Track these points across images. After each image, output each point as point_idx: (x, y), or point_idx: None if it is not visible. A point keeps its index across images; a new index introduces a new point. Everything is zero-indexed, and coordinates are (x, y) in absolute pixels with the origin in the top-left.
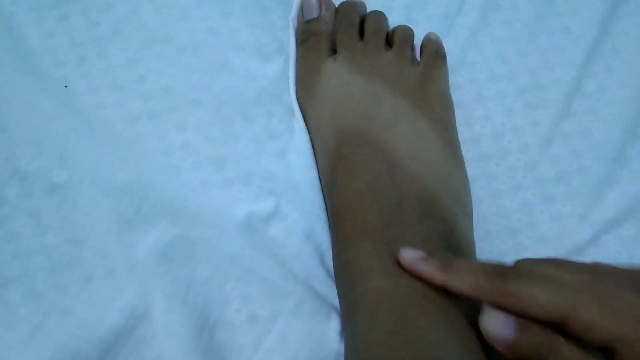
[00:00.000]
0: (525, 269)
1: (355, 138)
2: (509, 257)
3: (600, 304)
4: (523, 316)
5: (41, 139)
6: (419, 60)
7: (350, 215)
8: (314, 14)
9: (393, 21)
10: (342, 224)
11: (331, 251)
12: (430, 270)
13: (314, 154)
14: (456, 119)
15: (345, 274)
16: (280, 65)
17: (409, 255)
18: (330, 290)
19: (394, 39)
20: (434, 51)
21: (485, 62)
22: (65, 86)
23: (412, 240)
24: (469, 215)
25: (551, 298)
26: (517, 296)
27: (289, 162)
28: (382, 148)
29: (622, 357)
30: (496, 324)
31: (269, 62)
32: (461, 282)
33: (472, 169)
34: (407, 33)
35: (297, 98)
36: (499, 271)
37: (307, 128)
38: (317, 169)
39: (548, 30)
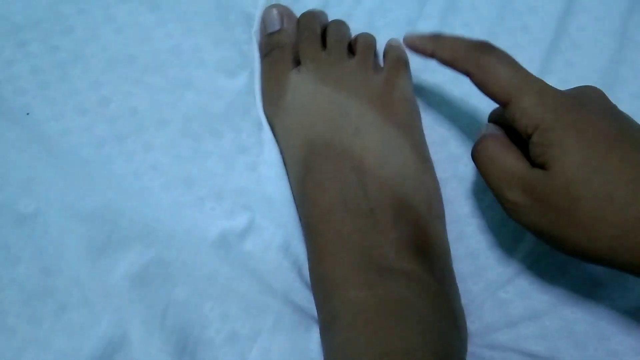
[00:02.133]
0: (500, 50)
1: (323, 148)
2: (484, 256)
3: (540, 96)
4: (483, 88)
5: (5, 169)
6: (382, 66)
7: (323, 226)
8: (276, 27)
9: (355, 29)
10: (316, 236)
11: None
12: (423, 42)
13: (285, 166)
14: (423, 122)
15: (321, 286)
16: (245, 79)
17: (408, 36)
18: (309, 303)
19: (357, 47)
20: (396, 57)
21: None
22: (27, 113)
23: (386, 247)
24: (440, 218)
25: (506, 77)
26: (483, 68)
27: (261, 175)
28: (350, 157)
29: (535, 141)
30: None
31: (234, 77)
32: (445, 51)
33: (443, 171)
34: (369, 40)
35: (264, 111)
36: (477, 45)
37: (276, 140)
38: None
39: (508, 30)
